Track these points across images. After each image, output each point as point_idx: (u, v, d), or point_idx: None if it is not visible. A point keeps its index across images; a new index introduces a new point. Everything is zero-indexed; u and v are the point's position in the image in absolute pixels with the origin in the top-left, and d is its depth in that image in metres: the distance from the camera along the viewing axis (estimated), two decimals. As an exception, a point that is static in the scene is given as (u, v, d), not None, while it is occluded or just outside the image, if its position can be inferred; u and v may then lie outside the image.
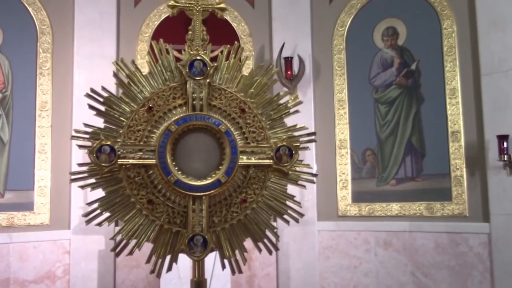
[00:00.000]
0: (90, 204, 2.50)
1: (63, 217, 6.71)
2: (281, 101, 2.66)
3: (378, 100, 7.22)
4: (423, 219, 6.74)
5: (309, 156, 7.31)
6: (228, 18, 7.63)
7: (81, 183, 2.51)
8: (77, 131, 2.50)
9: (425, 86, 6.92)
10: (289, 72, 7.23)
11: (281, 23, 7.52)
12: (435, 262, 6.53)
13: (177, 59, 2.77)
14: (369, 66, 7.30)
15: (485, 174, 6.27)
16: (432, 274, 6.52)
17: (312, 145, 7.26)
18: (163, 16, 7.55)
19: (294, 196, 2.58)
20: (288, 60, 7.26)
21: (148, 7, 7.54)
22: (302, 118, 7.19)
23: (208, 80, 2.55)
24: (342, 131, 7.34)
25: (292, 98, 2.63)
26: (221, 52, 2.77)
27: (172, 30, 7.60)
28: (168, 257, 2.51)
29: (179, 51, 7.25)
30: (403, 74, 7.08)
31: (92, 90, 2.53)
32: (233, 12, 7.63)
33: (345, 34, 7.44)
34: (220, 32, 7.52)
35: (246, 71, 7.24)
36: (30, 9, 6.95)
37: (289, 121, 6.90)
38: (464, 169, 6.51)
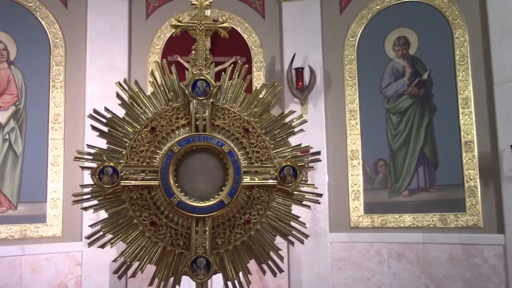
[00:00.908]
0: (92, 226, 2.50)
1: (75, 229, 6.73)
2: (286, 120, 2.63)
3: (390, 110, 7.17)
4: (436, 231, 6.67)
5: (320, 167, 7.29)
6: (239, 29, 7.64)
7: (85, 204, 2.50)
8: (80, 153, 2.50)
9: (437, 95, 6.86)
10: (300, 83, 7.23)
11: (292, 34, 7.51)
12: (449, 274, 6.45)
13: (180, 79, 2.75)
14: (380, 76, 7.26)
15: (499, 184, 6.20)
16: (446, 286, 6.44)
17: (323, 156, 7.26)
18: (174, 28, 7.57)
19: (299, 217, 2.55)
20: (299, 71, 7.25)
21: (159, 20, 7.57)
22: (313, 129, 7.21)
23: (211, 100, 2.54)
24: (354, 141, 7.30)
25: (297, 117, 2.60)
26: (224, 71, 2.74)
27: (184, 42, 7.60)
28: (171, 280, 2.50)
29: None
30: (415, 83, 7.03)
31: (95, 111, 2.53)
32: (244, 23, 7.64)
33: (356, 44, 7.41)
34: (231, 43, 7.55)
35: (257, 82, 7.30)
36: (43, 23, 7.02)
37: (300, 133, 6.88)
38: (478, 180, 6.44)
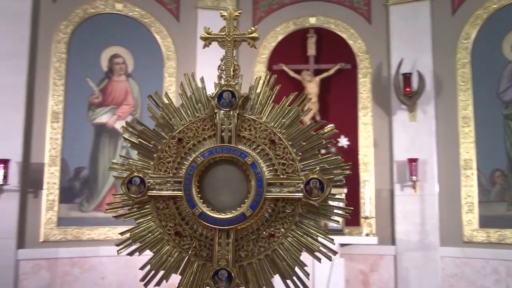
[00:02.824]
0: (122, 234, 2.62)
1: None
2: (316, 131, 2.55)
3: (508, 116, 6.67)
4: (562, 248, 6.09)
5: (430, 177, 6.96)
6: (344, 36, 7.53)
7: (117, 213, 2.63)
8: (114, 163, 2.63)
9: None
10: (407, 89, 6.96)
11: (400, 38, 7.24)
12: None
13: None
14: (497, 80, 6.79)
15: None
16: None
17: (433, 165, 6.91)
18: (280, 37, 7.66)
19: (327, 233, 2.45)
20: (407, 77, 6.98)
21: (265, 29, 7.69)
22: (423, 136, 6.92)
23: (237, 111, 2.54)
24: (467, 150, 6.87)
25: (328, 128, 2.51)
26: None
27: (288, 50, 7.69)
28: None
29: (296, 71, 7.33)
30: (538, 87, 6.48)
31: (127, 124, 2.65)
32: (349, 29, 7.51)
33: (469, 47, 6.97)
34: (336, 50, 7.48)
35: (362, 89, 7.15)
36: (157, 37, 7.44)
37: (407, 141, 6.67)
38: None
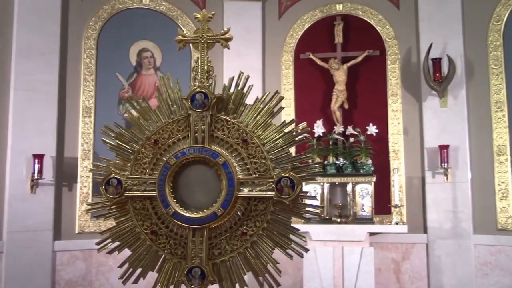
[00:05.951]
0: (102, 233, 2.70)
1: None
2: (288, 129, 2.54)
3: (543, 99, 6.41)
4: None
5: (462, 164, 6.79)
6: (372, 22, 7.40)
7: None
8: (94, 165, 2.71)
9: None
10: (437, 74, 6.79)
11: (429, 22, 7.05)
12: None
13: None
14: (531, 62, 6.51)
15: None
16: None
17: (465, 152, 6.72)
18: (306, 26, 7.60)
19: (298, 230, 2.45)
20: (436, 62, 6.80)
21: (291, 18, 7.64)
22: (454, 123, 6.74)
23: (210, 112, 2.56)
24: (501, 135, 6.66)
25: (301, 127, 2.50)
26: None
27: (315, 39, 7.62)
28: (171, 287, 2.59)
29: (324, 59, 7.25)
30: None
31: (106, 126, 2.72)
32: (377, 15, 7.36)
33: (502, 29, 6.75)
34: (364, 37, 7.36)
35: (391, 75, 7.00)
36: (184, 30, 7.50)
37: (435, 129, 6.53)
38: None
